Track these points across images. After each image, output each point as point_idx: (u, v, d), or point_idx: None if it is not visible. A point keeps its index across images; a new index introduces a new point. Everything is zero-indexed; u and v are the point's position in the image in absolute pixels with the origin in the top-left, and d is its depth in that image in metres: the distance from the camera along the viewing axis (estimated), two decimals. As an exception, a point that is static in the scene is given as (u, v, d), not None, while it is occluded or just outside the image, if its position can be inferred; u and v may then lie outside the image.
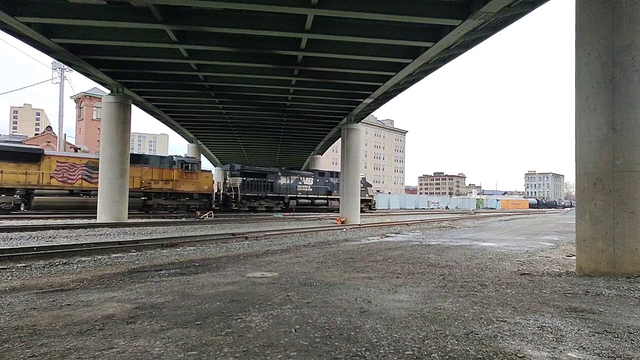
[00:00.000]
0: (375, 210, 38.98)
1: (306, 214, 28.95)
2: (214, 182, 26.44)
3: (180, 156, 25.95)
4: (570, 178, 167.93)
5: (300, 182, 32.39)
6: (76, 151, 36.26)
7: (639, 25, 5.76)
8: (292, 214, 27.95)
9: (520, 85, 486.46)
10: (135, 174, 22.03)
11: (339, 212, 31.13)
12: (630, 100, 5.71)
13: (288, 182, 31.60)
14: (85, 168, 21.21)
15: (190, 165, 24.68)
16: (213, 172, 29.46)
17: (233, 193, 27.51)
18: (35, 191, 19.33)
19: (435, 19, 10.07)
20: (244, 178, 28.50)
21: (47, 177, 19.82)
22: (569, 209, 67.57)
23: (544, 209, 73.11)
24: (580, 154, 6.19)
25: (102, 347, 2.75)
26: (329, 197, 33.89)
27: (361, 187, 31.69)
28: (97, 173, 19.73)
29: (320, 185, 33.96)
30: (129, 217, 17.55)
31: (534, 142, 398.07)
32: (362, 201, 33.56)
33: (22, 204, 19.65)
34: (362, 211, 32.99)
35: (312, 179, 33.61)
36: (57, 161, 20.43)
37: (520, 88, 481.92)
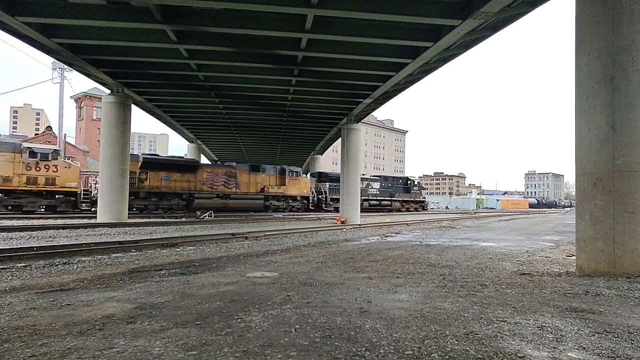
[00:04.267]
0: (427, 210, 44.69)
1: (306, 214, 29.04)
2: (310, 187, 32.18)
3: (289, 165, 31.56)
4: (570, 178, 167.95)
5: (370, 187, 37.42)
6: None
7: (639, 25, 5.76)
8: (292, 214, 28.10)
9: (520, 85, 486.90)
10: (257, 181, 28.21)
11: (399, 212, 38.19)
12: (630, 100, 5.70)
13: (362, 186, 35.53)
14: (224, 176, 26.63)
15: (295, 173, 30.41)
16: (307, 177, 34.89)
17: (323, 196, 33.40)
18: (195, 195, 24.75)
19: (435, 19, 10.07)
20: (329, 183, 34.02)
21: (201, 184, 25.25)
22: (568, 209, 67.59)
23: (544, 209, 73.09)
24: (580, 154, 6.19)
25: (102, 347, 2.75)
26: (392, 199, 39.16)
27: (416, 190, 42.87)
28: (233, 180, 27.25)
29: (385, 189, 39.13)
30: (131, 217, 17.56)
31: (534, 142, 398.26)
32: (417, 202, 43.09)
33: (187, 206, 24.72)
34: (416, 211, 40.93)
35: (379, 184, 38.84)
36: (206, 171, 25.93)
37: (520, 88, 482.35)
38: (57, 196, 20.09)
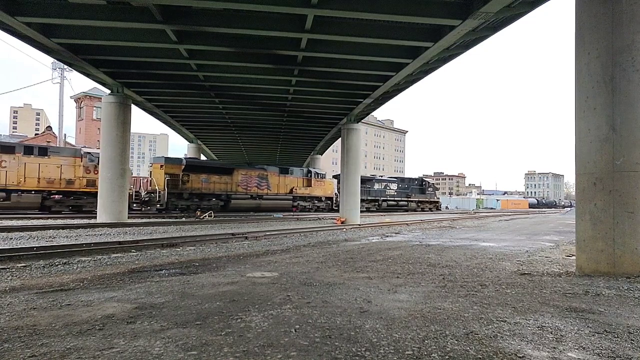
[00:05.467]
0: (440, 210, 46.47)
1: (306, 214, 29.08)
2: (334, 188, 33.98)
3: (315, 168, 33.71)
4: (570, 178, 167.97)
5: (388, 188, 39.53)
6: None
7: (639, 25, 5.76)
8: (292, 214, 28.16)
9: (520, 85, 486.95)
10: (286, 183, 30.13)
11: (415, 212, 39.61)
12: (630, 100, 5.70)
13: (380, 187, 38.85)
14: (257, 178, 28.29)
15: (320, 175, 32.50)
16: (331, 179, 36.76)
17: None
18: (231, 196, 26.48)
19: (435, 19, 10.07)
20: None
21: (236, 185, 27.01)
22: (568, 209, 67.62)
23: (543, 209, 73.10)
24: (580, 154, 6.18)
25: (102, 347, 2.75)
26: (408, 199, 41.04)
27: (430, 191, 44.73)
28: (265, 182, 28.85)
29: (402, 190, 40.94)
30: (131, 218, 17.56)
31: (534, 142, 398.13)
32: (431, 202, 44.68)
33: (224, 206, 26.36)
34: (430, 211, 42.25)
35: (396, 185, 40.89)
36: (241, 174, 27.52)
37: (521, 88, 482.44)
38: None
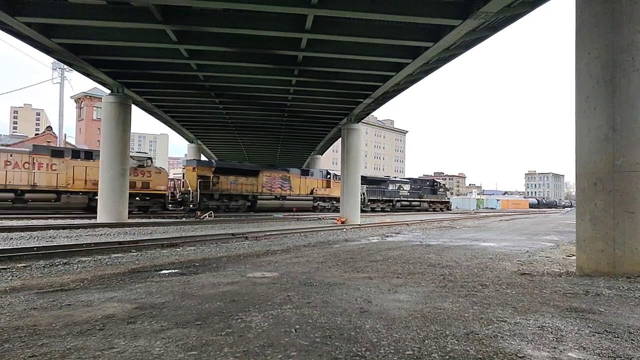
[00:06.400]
0: (451, 210, 47.61)
1: (307, 214, 29.10)
2: None
3: (333, 170, 35.22)
4: (570, 178, 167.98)
5: (401, 189, 41.05)
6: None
7: (639, 25, 5.76)
8: (292, 214, 28.22)
9: (520, 85, 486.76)
10: (307, 184, 31.72)
11: (426, 212, 40.77)
12: (630, 100, 5.70)
13: (394, 188, 40.51)
14: (280, 180, 29.88)
15: (338, 177, 32.14)
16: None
17: (362, 197, 35.83)
18: (258, 197, 27.99)
19: (435, 19, 10.06)
20: (367, 186, 36.55)
21: (261, 187, 28.57)
22: (569, 209, 67.61)
23: (544, 209, 73.05)
24: (581, 154, 6.18)
25: (103, 347, 2.75)
26: (421, 199, 42.68)
27: (442, 192, 46.23)
28: (288, 183, 30.42)
29: (414, 191, 42.43)
30: (131, 218, 17.56)
31: (534, 142, 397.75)
32: (442, 203, 46.24)
33: (251, 206, 27.81)
34: (441, 211, 44.74)
35: (409, 186, 42.26)
36: (266, 175, 29.10)
37: (521, 88, 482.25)
38: (146, 198, 22.85)
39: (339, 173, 33.21)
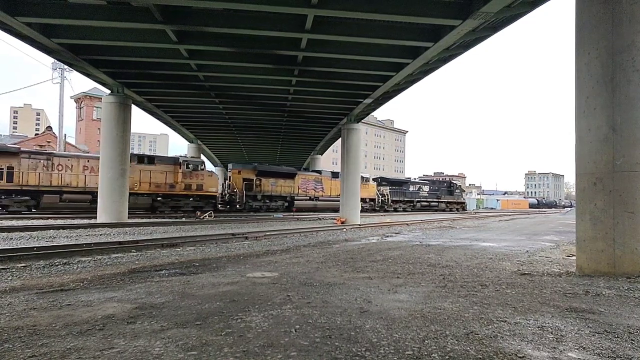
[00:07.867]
0: (466, 211, 48.54)
1: (307, 214, 29.11)
2: (376, 191, 37.43)
3: (361, 173, 36.93)
4: (570, 178, 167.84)
5: (421, 190, 43.20)
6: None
7: (639, 25, 5.76)
8: (292, 214, 28.28)
9: (520, 85, 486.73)
10: (337, 185, 31.25)
11: (444, 212, 44.16)
12: (630, 100, 5.70)
13: (414, 189, 42.59)
14: (314, 182, 32.37)
15: (365, 178, 34.16)
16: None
17: (385, 198, 38.35)
18: (295, 198, 30.35)
19: (435, 19, 10.07)
20: (390, 187, 39.21)
21: (297, 188, 30.85)
22: (569, 209, 67.60)
23: (544, 209, 73.06)
24: (580, 154, 6.18)
25: (102, 347, 2.75)
26: (439, 200, 44.58)
27: (458, 193, 47.96)
28: (320, 185, 32.81)
29: (433, 192, 44.26)
30: (131, 218, 17.55)
31: (534, 142, 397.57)
32: (458, 203, 47.90)
33: (288, 207, 29.97)
34: (457, 211, 45.89)
35: (428, 187, 44.20)
36: (301, 178, 31.46)
37: (521, 88, 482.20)
38: (198, 199, 24.84)
39: (365, 174, 35.70)
